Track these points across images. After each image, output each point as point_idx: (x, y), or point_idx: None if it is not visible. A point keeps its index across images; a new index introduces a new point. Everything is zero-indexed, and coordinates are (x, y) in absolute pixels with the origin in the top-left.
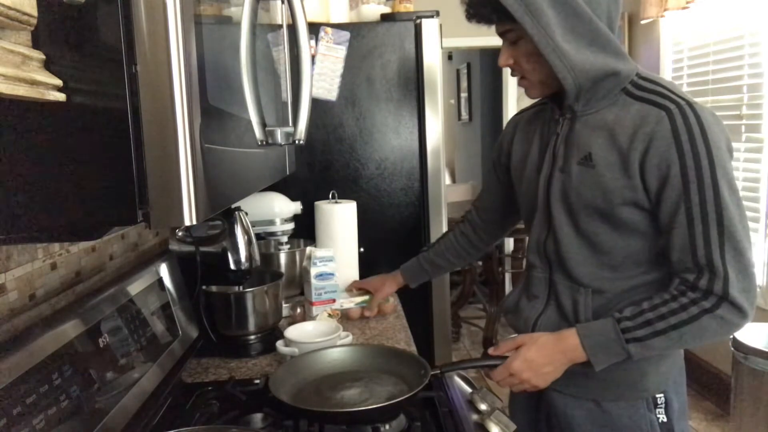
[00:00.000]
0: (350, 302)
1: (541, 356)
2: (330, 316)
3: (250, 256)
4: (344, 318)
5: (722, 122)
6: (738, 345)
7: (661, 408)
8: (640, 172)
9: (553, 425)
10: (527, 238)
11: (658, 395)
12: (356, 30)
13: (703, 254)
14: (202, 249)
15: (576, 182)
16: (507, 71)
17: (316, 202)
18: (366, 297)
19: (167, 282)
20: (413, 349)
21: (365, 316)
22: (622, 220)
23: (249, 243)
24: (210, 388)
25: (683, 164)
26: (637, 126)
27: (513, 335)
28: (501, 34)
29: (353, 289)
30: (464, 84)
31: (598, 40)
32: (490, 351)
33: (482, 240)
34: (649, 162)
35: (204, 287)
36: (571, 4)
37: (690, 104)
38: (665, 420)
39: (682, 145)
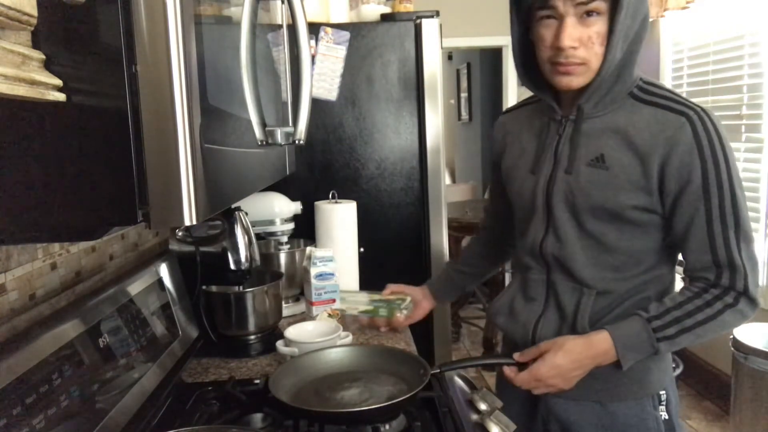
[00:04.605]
0: (386, 302)
1: (570, 362)
2: (330, 316)
3: (250, 256)
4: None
5: None
6: (738, 345)
7: (663, 405)
8: (659, 176)
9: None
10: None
11: (660, 392)
12: (356, 30)
13: (723, 253)
14: (202, 249)
15: (585, 183)
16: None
17: (316, 202)
18: (408, 299)
19: (167, 282)
20: (413, 349)
21: (385, 326)
22: (629, 221)
23: (249, 243)
24: (210, 388)
25: (704, 169)
26: (657, 130)
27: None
28: (579, 4)
29: (390, 292)
30: (464, 84)
31: (633, 40)
32: (516, 356)
33: (505, 241)
34: (670, 166)
35: (204, 287)
36: (640, 3)
37: (705, 111)
38: (667, 417)
39: (703, 150)
